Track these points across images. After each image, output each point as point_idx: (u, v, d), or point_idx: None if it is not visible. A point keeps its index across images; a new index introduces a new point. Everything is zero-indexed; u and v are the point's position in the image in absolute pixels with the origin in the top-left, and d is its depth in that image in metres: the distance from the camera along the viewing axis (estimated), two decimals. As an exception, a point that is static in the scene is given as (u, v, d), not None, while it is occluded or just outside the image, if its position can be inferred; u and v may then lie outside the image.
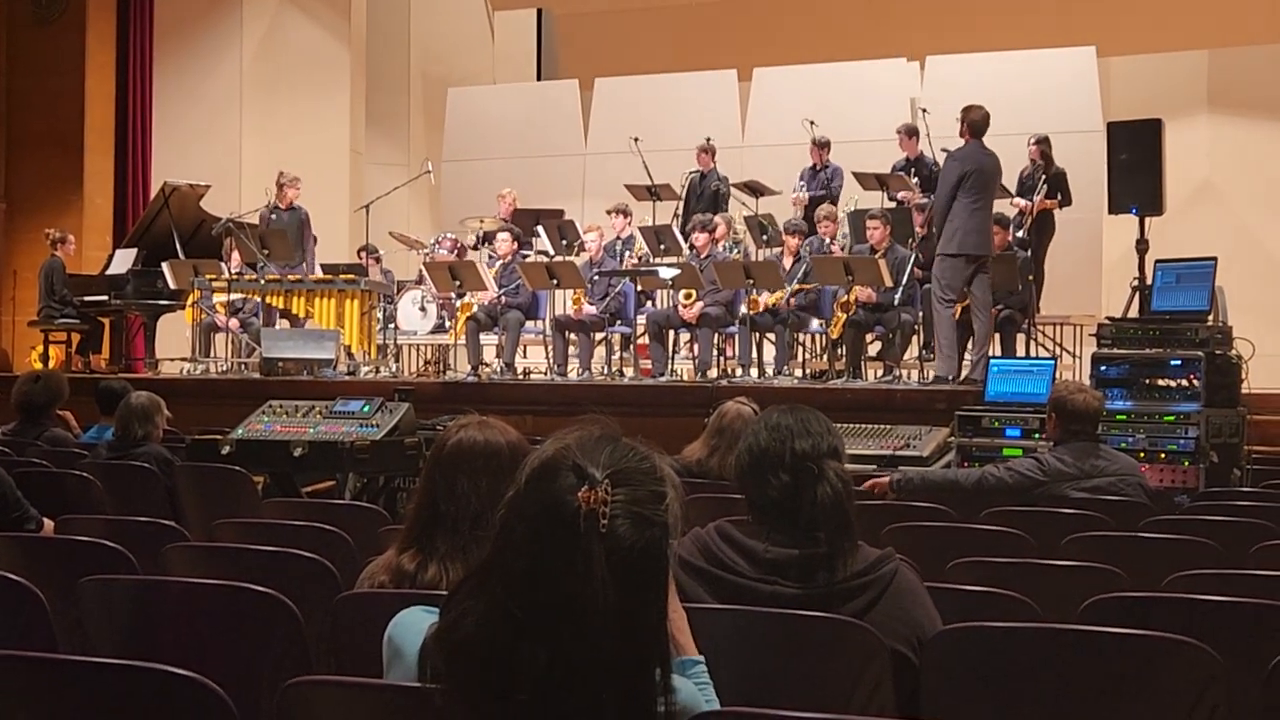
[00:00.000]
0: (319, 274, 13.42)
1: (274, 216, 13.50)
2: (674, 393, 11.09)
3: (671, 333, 12.28)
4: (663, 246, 12.82)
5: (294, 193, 13.64)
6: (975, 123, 10.19)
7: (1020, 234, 11.57)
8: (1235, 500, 6.20)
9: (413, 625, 2.25)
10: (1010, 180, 11.76)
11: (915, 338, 11.54)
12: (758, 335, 11.91)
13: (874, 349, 11.93)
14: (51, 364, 13.54)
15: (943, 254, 10.22)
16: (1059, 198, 12.25)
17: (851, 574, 3.03)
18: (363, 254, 14.33)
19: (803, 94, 15.04)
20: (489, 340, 12.75)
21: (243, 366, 13.21)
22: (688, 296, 11.79)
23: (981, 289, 10.22)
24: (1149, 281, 9.16)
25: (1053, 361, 9.52)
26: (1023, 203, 12.09)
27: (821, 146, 13.46)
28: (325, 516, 5.01)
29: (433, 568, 3.00)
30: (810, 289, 11.68)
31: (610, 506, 1.93)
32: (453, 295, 12.73)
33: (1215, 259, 8.74)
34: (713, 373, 11.80)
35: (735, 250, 13.08)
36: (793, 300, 11.63)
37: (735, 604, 3.03)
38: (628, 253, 13.11)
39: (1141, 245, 10.05)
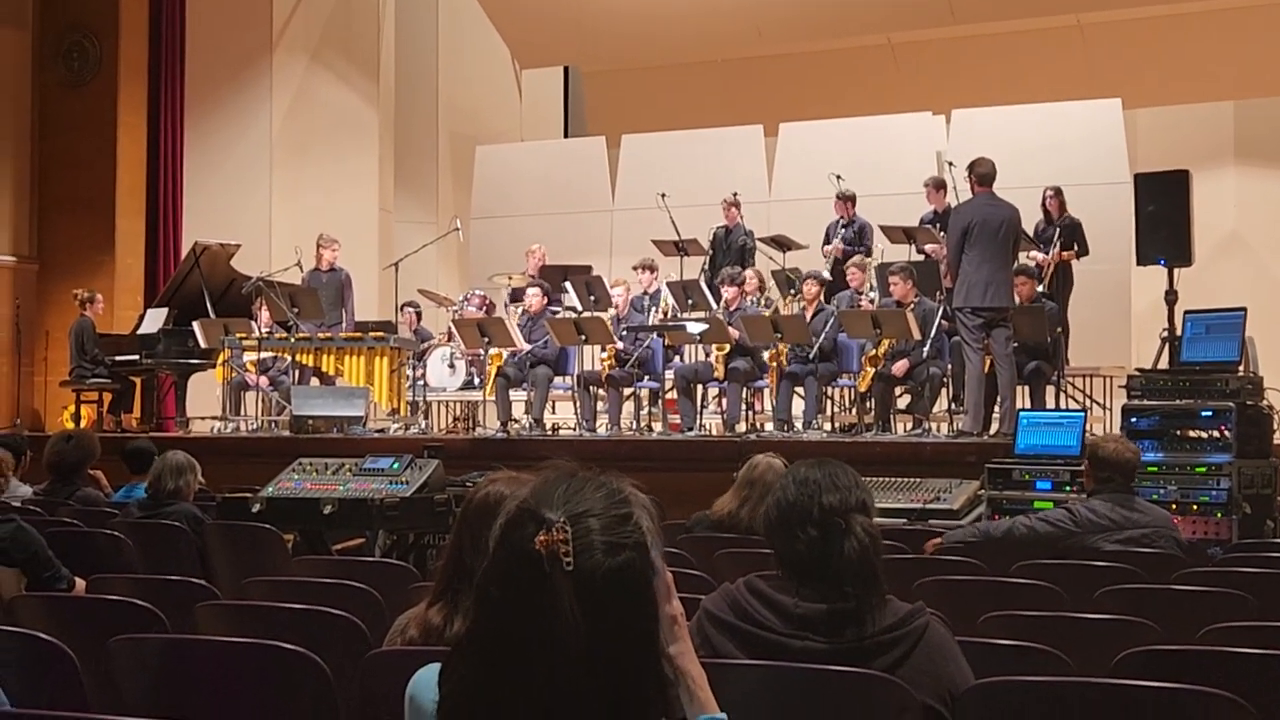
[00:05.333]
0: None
1: (314, 278, 13.62)
2: (702, 447, 11.07)
3: (700, 387, 12.27)
4: (690, 301, 12.81)
5: (331, 254, 13.77)
6: (983, 175, 10.21)
7: (1040, 288, 11.51)
8: (1269, 552, 6.16)
9: (431, 682, 2.26)
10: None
11: (944, 390, 11.48)
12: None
13: (903, 402, 11.87)
14: (83, 423, 13.59)
15: (955, 308, 10.23)
16: (1075, 248, 12.22)
17: (882, 628, 3.02)
18: (407, 309, 14.44)
19: (829, 149, 15.01)
20: (518, 396, 12.77)
21: (273, 425, 13.25)
22: (720, 349, 11.75)
23: (1000, 342, 10.19)
24: (1178, 332, 9.12)
25: (1082, 413, 9.45)
26: (1041, 256, 12.04)
27: (847, 200, 13.33)
28: (355, 574, 5.02)
29: (459, 622, 3.00)
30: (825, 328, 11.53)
31: (572, 543, 1.90)
32: (481, 351, 12.76)
33: (1245, 309, 8.71)
34: (741, 427, 11.78)
35: (768, 307, 13.03)
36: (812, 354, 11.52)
37: (766, 659, 3.02)
38: (654, 308, 13.11)
39: (1170, 296, 10.00)
